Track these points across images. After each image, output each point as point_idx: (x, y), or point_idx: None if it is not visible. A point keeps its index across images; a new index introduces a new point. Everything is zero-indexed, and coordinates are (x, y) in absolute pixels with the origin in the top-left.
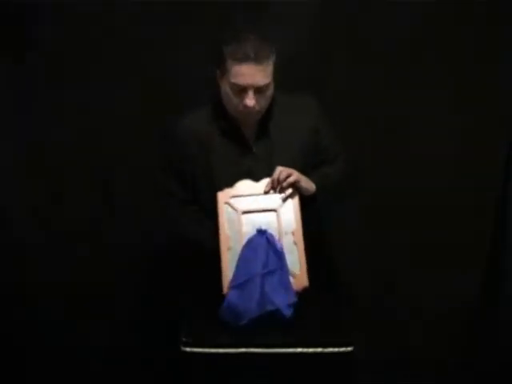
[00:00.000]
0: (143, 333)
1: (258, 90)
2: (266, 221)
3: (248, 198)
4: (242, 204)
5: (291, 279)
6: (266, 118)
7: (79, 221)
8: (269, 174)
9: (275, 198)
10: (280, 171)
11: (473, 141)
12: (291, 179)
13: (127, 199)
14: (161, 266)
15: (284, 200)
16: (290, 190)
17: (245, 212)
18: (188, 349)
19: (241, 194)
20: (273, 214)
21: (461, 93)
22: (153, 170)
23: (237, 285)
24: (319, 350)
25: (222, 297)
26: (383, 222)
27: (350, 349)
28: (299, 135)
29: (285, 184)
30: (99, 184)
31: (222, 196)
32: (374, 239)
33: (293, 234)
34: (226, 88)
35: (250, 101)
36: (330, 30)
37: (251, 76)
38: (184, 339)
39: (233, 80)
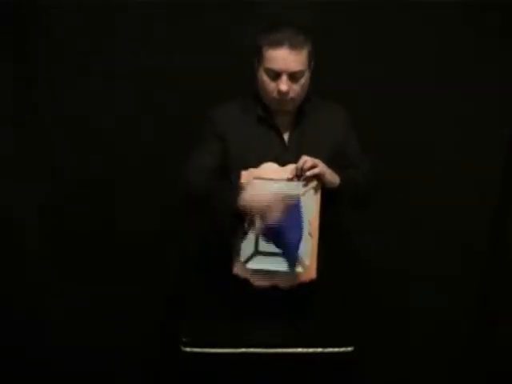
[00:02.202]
0: (143, 333)
1: (292, 77)
2: None
3: (270, 181)
4: (264, 187)
5: (300, 269)
6: (301, 112)
7: (79, 220)
8: None
9: (297, 186)
10: (304, 160)
11: (473, 140)
12: (316, 171)
13: (126, 199)
14: (161, 266)
15: (306, 190)
16: (314, 183)
17: None
18: (188, 349)
19: (265, 176)
20: None
21: (461, 92)
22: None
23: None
24: (319, 349)
25: (224, 296)
26: (382, 222)
27: (349, 349)
28: (332, 136)
29: (309, 173)
30: (101, 184)
31: (246, 175)
32: (374, 239)
33: (310, 224)
34: (261, 75)
35: (284, 85)
36: (331, 31)
37: (284, 61)
38: (184, 339)
39: (267, 65)
